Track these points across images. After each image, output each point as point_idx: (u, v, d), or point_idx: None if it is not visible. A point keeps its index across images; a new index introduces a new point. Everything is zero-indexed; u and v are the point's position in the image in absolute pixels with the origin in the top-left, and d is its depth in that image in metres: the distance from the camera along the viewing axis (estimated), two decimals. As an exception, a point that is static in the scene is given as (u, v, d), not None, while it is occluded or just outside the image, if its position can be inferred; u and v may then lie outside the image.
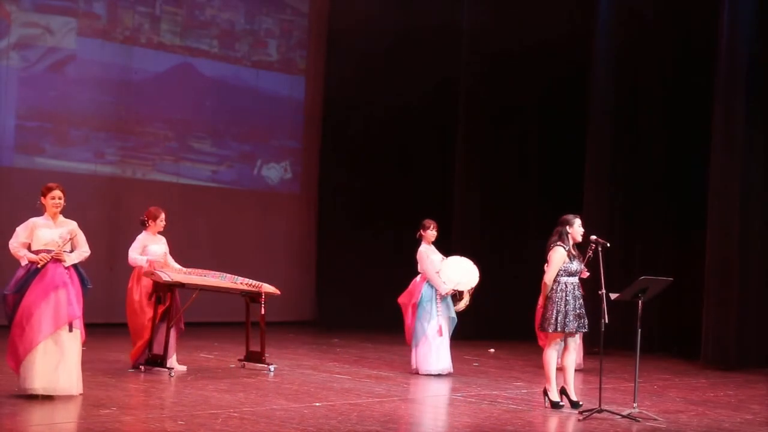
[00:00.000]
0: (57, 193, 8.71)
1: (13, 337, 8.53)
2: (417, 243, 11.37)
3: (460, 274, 11.15)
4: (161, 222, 10.68)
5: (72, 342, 8.62)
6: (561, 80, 15.77)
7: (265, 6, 17.14)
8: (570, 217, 9.15)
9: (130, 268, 10.70)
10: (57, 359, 8.51)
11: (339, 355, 12.79)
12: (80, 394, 8.65)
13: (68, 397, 8.54)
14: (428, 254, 11.23)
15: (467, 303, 11.29)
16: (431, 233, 11.32)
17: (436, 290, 11.14)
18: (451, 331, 11.28)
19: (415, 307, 11.18)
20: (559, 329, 8.93)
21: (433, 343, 11.09)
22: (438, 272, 11.12)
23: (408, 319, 11.26)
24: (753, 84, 13.02)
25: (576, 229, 9.07)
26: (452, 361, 11.27)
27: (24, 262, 8.59)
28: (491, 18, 15.64)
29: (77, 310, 8.62)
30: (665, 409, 9.35)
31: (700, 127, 13.87)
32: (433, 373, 11.07)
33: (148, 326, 10.44)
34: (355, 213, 17.25)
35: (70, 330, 8.59)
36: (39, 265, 8.53)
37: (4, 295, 8.61)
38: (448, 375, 11.09)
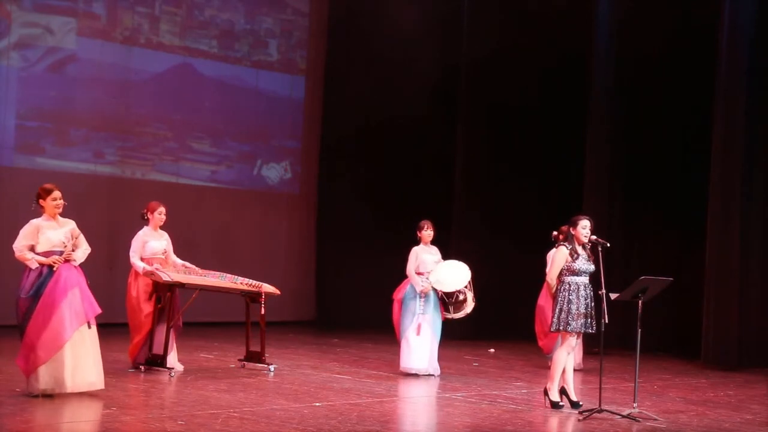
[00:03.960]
0: (57, 194, 8.75)
1: (30, 340, 8.51)
2: (417, 243, 11.34)
3: (443, 274, 11.00)
4: (160, 215, 10.63)
5: (93, 338, 8.75)
6: (561, 79, 15.78)
7: (265, 6, 17.12)
8: (576, 218, 9.20)
9: (130, 267, 10.68)
10: (85, 355, 8.61)
11: (339, 355, 12.78)
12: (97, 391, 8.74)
13: (67, 397, 8.53)
14: (418, 254, 11.17)
15: (467, 313, 11.17)
16: (426, 233, 11.26)
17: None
18: (438, 333, 11.10)
19: (400, 303, 11.18)
20: (561, 328, 8.93)
21: (412, 342, 11.01)
22: (426, 273, 11.04)
23: (395, 315, 11.26)
24: (754, 83, 13.02)
25: (579, 230, 9.08)
26: (441, 362, 11.16)
27: (34, 266, 8.60)
28: (491, 17, 15.64)
29: (96, 306, 8.77)
30: (665, 409, 9.35)
31: (701, 126, 13.87)
32: (410, 371, 10.96)
33: (145, 323, 10.44)
34: (354, 213, 17.22)
35: (89, 327, 8.69)
36: (54, 268, 8.57)
37: (17, 299, 8.60)
38: (428, 377, 10.91)
